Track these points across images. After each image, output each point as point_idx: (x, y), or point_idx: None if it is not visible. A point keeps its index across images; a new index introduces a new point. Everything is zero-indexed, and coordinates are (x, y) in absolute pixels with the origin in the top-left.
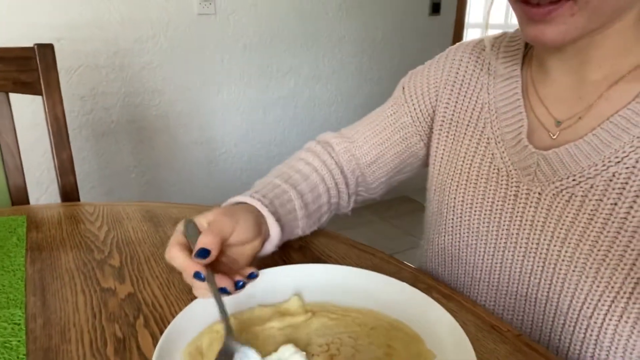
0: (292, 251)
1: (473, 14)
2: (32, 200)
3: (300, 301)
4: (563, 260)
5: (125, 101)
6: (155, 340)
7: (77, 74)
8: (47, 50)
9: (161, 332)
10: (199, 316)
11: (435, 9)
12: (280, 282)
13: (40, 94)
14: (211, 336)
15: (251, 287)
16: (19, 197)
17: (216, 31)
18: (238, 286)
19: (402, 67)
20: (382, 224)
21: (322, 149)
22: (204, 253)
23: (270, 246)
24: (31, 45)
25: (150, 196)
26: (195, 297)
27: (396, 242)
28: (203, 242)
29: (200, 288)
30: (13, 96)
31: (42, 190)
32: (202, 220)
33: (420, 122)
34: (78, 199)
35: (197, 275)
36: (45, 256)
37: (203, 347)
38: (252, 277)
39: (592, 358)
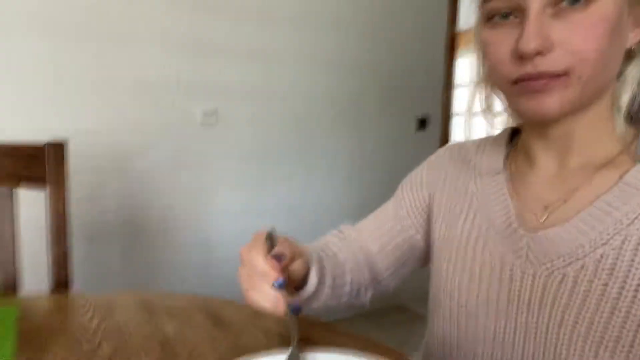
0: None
1: (458, 129)
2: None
3: None
4: (562, 344)
5: (124, 203)
6: None
7: (80, 175)
8: (58, 148)
9: None
10: None
11: (422, 125)
12: None
13: (45, 190)
14: None
15: None
16: (9, 288)
17: (216, 140)
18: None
19: (391, 177)
20: (377, 332)
21: (343, 236)
22: (280, 257)
23: (303, 294)
24: (42, 143)
25: None
26: None
27: None
28: (279, 249)
29: (271, 298)
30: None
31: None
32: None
33: (415, 216)
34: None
35: (277, 283)
36: (34, 347)
37: None
38: (296, 309)
39: None
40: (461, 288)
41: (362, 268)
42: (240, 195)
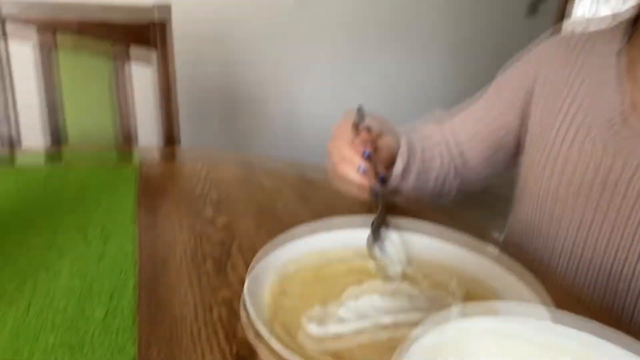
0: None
1: (577, 13)
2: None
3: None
4: None
5: (224, 70)
6: (247, 263)
7: (183, 41)
8: (164, 10)
9: (253, 256)
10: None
11: (533, 8)
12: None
13: (155, 49)
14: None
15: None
16: (129, 141)
17: (314, 11)
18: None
19: (494, 63)
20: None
21: (435, 120)
22: (368, 129)
23: (392, 172)
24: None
25: None
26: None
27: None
28: (369, 122)
29: (359, 169)
30: None
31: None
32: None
33: (512, 110)
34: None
35: (366, 153)
36: (153, 187)
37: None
38: (382, 179)
39: None
40: (553, 175)
41: (452, 154)
42: (335, 68)
